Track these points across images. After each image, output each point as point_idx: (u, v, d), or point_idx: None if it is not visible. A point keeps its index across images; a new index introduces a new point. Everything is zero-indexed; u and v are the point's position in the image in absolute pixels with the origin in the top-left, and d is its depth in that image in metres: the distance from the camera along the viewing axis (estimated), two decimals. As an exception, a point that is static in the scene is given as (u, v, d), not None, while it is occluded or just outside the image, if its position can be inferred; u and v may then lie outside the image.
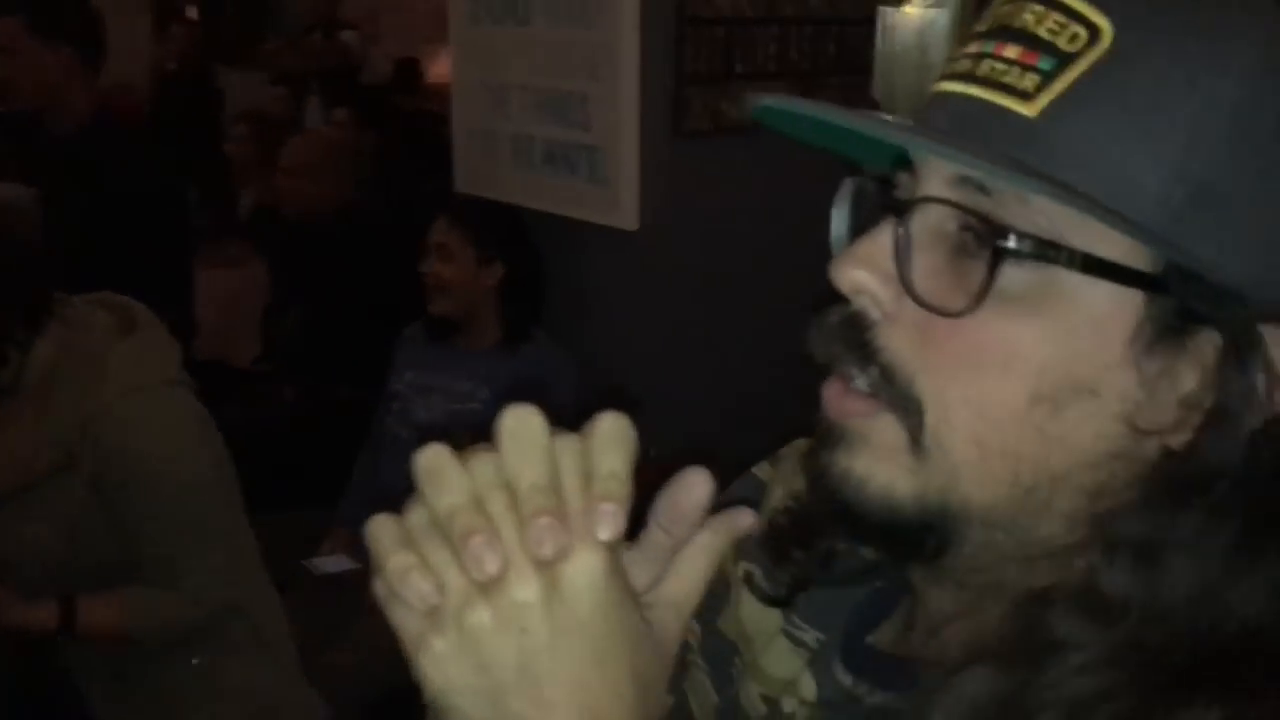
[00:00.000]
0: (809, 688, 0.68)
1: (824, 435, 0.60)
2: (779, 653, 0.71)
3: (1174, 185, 0.52)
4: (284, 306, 3.56)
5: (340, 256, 3.48)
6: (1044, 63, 0.53)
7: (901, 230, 0.56)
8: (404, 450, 2.67)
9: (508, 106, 2.72)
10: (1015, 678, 0.54)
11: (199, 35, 6.58)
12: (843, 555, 0.69)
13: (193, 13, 7.28)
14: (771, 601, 0.72)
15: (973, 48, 0.57)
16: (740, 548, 0.74)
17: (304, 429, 3.15)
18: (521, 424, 0.50)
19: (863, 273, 0.56)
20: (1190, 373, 0.54)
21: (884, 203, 0.59)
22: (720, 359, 2.71)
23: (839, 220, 0.63)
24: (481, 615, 0.49)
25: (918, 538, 0.57)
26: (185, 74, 6.04)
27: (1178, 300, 0.54)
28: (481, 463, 0.50)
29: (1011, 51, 0.54)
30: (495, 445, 0.51)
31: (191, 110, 5.62)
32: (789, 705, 0.69)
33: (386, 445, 2.80)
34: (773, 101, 0.60)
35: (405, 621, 0.51)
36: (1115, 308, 0.54)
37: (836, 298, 0.59)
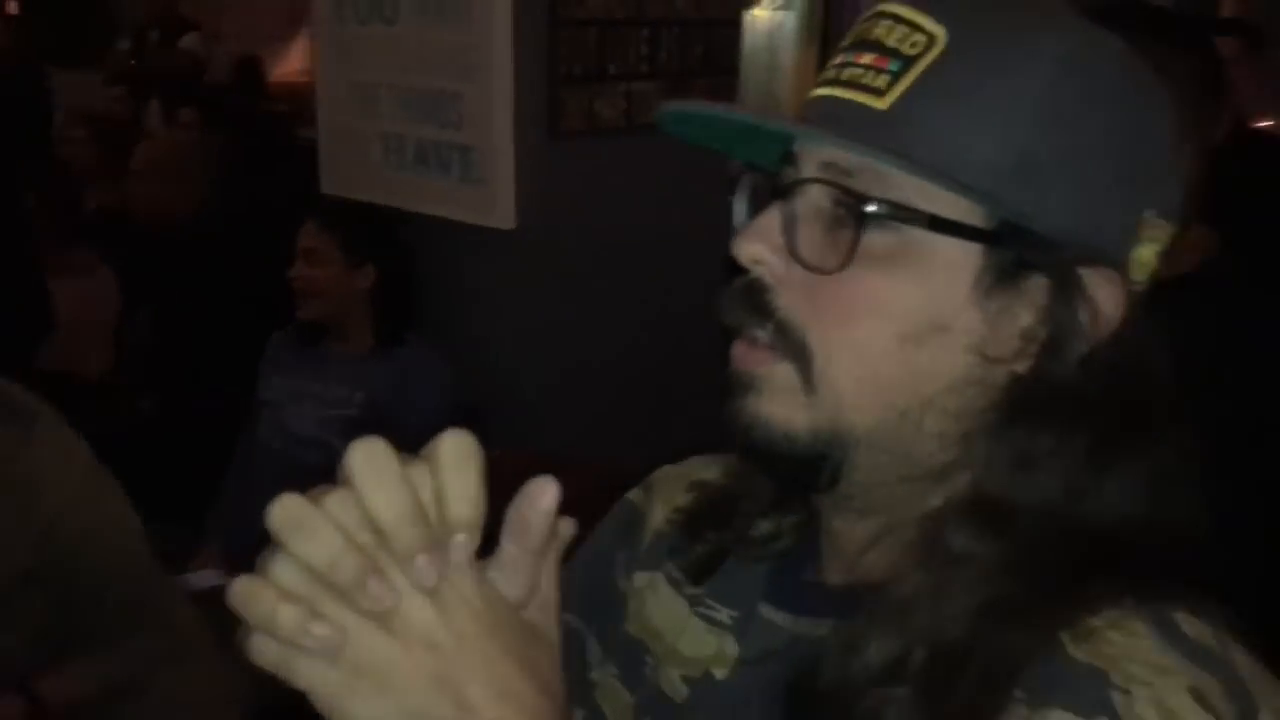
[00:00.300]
0: (733, 650, 0.76)
1: (734, 385, 0.69)
2: (695, 635, 0.79)
3: (1000, 156, 0.63)
4: (137, 314, 3.42)
5: (196, 261, 3.36)
6: (892, 65, 0.65)
7: (787, 209, 0.67)
8: (278, 460, 2.60)
9: (377, 106, 2.68)
10: (928, 593, 0.63)
11: (22, 31, 6.23)
12: (749, 532, 0.78)
13: (13, 7, 6.89)
14: (696, 577, 0.80)
15: (838, 59, 0.68)
16: (633, 562, 0.85)
17: (165, 441, 3.04)
18: (372, 458, 0.52)
19: (758, 245, 0.67)
20: (1026, 310, 0.65)
21: (771, 189, 0.69)
22: (597, 357, 2.73)
23: (739, 208, 0.73)
24: (389, 645, 0.52)
25: (816, 465, 0.67)
26: (8, 72, 5.71)
27: (1011, 251, 0.64)
28: (343, 505, 0.52)
29: (866, 58, 0.66)
30: (348, 482, 0.52)
31: (17, 111, 5.33)
32: (720, 673, 0.76)
33: (258, 455, 2.72)
34: (678, 107, 0.71)
35: (314, 675, 0.52)
36: (960, 259, 0.65)
37: (738, 271, 0.69)
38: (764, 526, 0.78)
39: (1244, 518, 1.09)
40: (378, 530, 0.52)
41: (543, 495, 0.55)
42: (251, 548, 2.01)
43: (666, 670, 0.79)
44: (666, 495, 0.86)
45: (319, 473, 2.16)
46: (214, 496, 2.82)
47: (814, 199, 0.66)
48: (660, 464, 0.91)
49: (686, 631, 0.79)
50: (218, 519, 2.77)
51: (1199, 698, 0.57)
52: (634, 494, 0.89)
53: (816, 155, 0.67)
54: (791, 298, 0.67)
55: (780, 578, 0.76)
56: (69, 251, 3.58)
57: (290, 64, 7.86)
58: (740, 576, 0.78)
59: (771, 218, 0.67)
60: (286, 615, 0.51)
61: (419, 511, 0.53)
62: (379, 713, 0.52)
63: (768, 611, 0.76)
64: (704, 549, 0.79)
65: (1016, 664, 0.60)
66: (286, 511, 0.52)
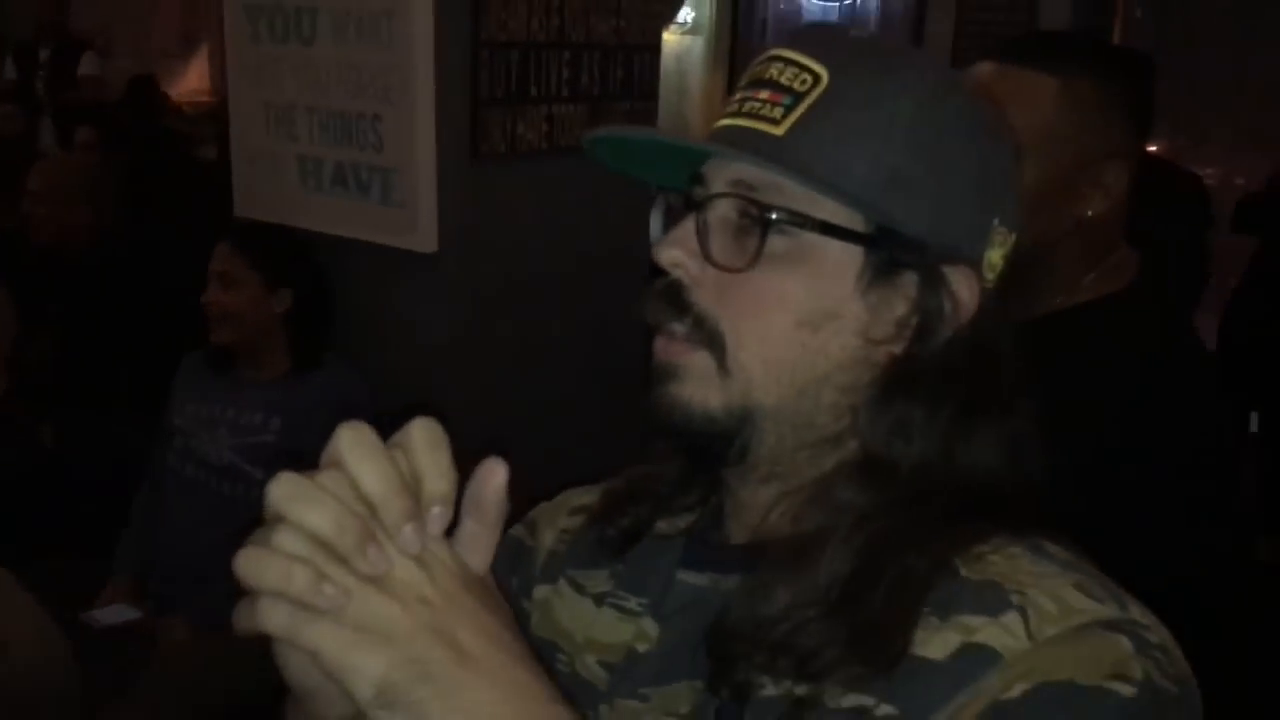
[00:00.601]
0: (652, 629, 0.84)
1: (657, 375, 0.79)
2: (608, 624, 0.87)
3: (874, 173, 0.75)
4: (34, 339, 3.30)
5: (97, 284, 3.26)
6: (786, 100, 0.77)
7: (700, 219, 0.78)
8: (190, 488, 2.53)
9: (293, 127, 2.63)
10: (824, 536, 0.74)
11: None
12: (659, 512, 0.88)
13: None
14: (621, 549, 0.88)
15: (738, 96, 0.80)
16: (529, 583, 0.94)
17: (66, 471, 2.93)
18: (359, 439, 0.60)
19: (676, 250, 0.78)
20: (901, 301, 0.77)
21: (684, 203, 0.81)
22: (516, 377, 2.72)
23: (655, 221, 0.86)
24: (388, 603, 0.58)
25: (729, 440, 0.78)
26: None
27: (886, 251, 0.76)
28: (337, 481, 0.59)
29: (764, 94, 0.78)
30: (337, 461, 0.60)
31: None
32: (642, 646, 0.84)
33: (169, 483, 2.64)
34: (606, 131, 0.81)
35: (323, 634, 0.58)
36: (845, 258, 0.76)
37: (657, 275, 0.79)
38: (674, 510, 0.88)
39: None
40: (367, 503, 0.59)
41: (494, 474, 0.64)
42: (165, 578, 1.95)
43: (583, 660, 0.87)
44: (550, 522, 0.97)
45: (234, 501, 2.14)
46: (120, 527, 2.73)
47: (722, 211, 0.77)
48: (578, 482, 1.00)
49: (598, 623, 0.88)
50: (127, 550, 2.68)
51: (1082, 589, 0.70)
52: (516, 530, 0.98)
53: (725, 174, 0.78)
54: (706, 295, 0.77)
55: (691, 545, 0.86)
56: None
57: (186, 83, 7.69)
58: (647, 565, 0.87)
59: (687, 227, 0.78)
60: (300, 576, 0.57)
61: (404, 485, 0.60)
62: (384, 663, 0.58)
63: (683, 575, 0.84)
64: (623, 526, 0.88)
65: (917, 584, 0.71)
66: (287, 486, 0.58)
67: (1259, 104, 5.98)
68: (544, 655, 0.85)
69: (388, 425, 0.64)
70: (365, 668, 0.57)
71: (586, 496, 0.95)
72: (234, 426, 2.58)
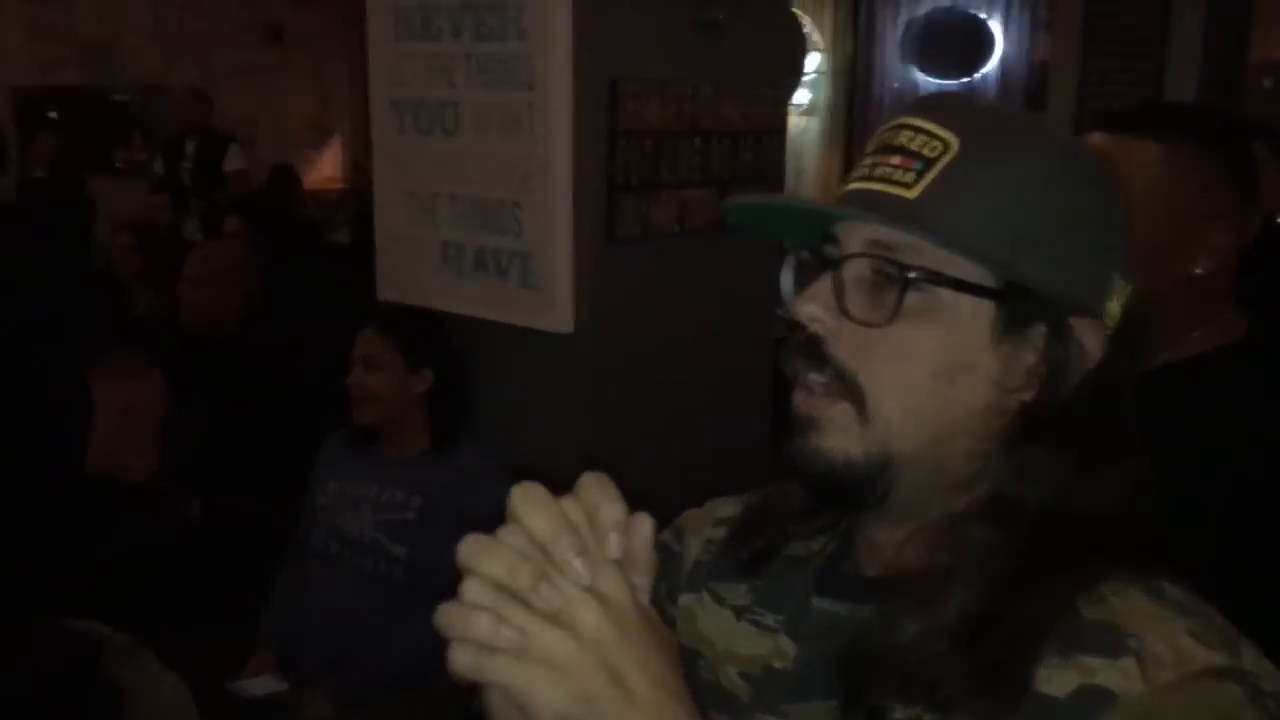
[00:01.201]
0: (787, 645, 0.89)
1: (798, 427, 0.83)
2: (747, 638, 0.92)
3: (1004, 232, 0.79)
4: (186, 418, 3.45)
5: (242, 366, 3.40)
6: (917, 165, 0.81)
7: (836, 277, 0.82)
8: (332, 564, 2.61)
9: (435, 214, 2.74)
10: (954, 573, 0.77)
11: (66, 142, 6.39)
12: (792, 540, 0.92)
13: (52, 115, 7.08)
14: (754, 569, 0.93)
15: (868, 160, 0.84)
16: (675, 590, 0.99)
17: (212, 547, 3.04)
18: (527, 492, 0.66)
19: (813, 306, 0.82)
20: (1029, 351, 0.81)
21: (819, 262, 0.84)
22: (652, 455, 2.74)
23: (787, 280, 0.90)
24: (564, 640, 0.63)
25: (870, 486, 0.81)
26: (52, 181, 5.85)
27: (1016, 305, 0.80)
28: (511, 532, 0.65)
29: (895, 160, 0.82)
30: (511, 516, 0.65)
31: (60, 218, 5.44)
32: (780, 664, 0.89)
33: (311, 560, 2.71)
34: (743, 199, 0.88)
35: (505, 671, 0.62)
36: (978, 312, 0.80)
37: (793, 330, 0.83)
38: (805, 534, 0.92)
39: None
40: (540, 547, 0.64)
41: (644, 525, 0.69)
42: (307, 652, 2.02)
43: (724, 670, 0.93)
44: (696, 530, 1.02)
45: (374, 577, 2.21)
46: (264, 601, 2.81)
47: (858, 269, 0.81)
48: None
49: (738, 636, 0.93)
50: (271, 624, 2.75)
51: (1196, 636, 0.72)
52: (664, 535, 1.01)
53: (860, 234, 0.81)
54: (844, 348, 0.81)
55: (825, 575, 0.90)
56: (114, 355, 3.63)
57: (320, 171, 8.04)
58: (782, 585, 0.92)
59: (824, 283, 0.82)
60: (481, 622, 0.62)
61: (569, 524, 0.65)
62: (560, 698, 0.62)
63: (818, 602, 0.89)
64: (757, 548, 0.93)
65: (1040, 623, 0.74)
66: (470, 543, 0.64)
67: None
68: (686, 661, 0.89)
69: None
70: (547, 700, 0.62)
71: (731, 508, 1.00)
72: (374, 503, 2.65)
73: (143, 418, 3.61)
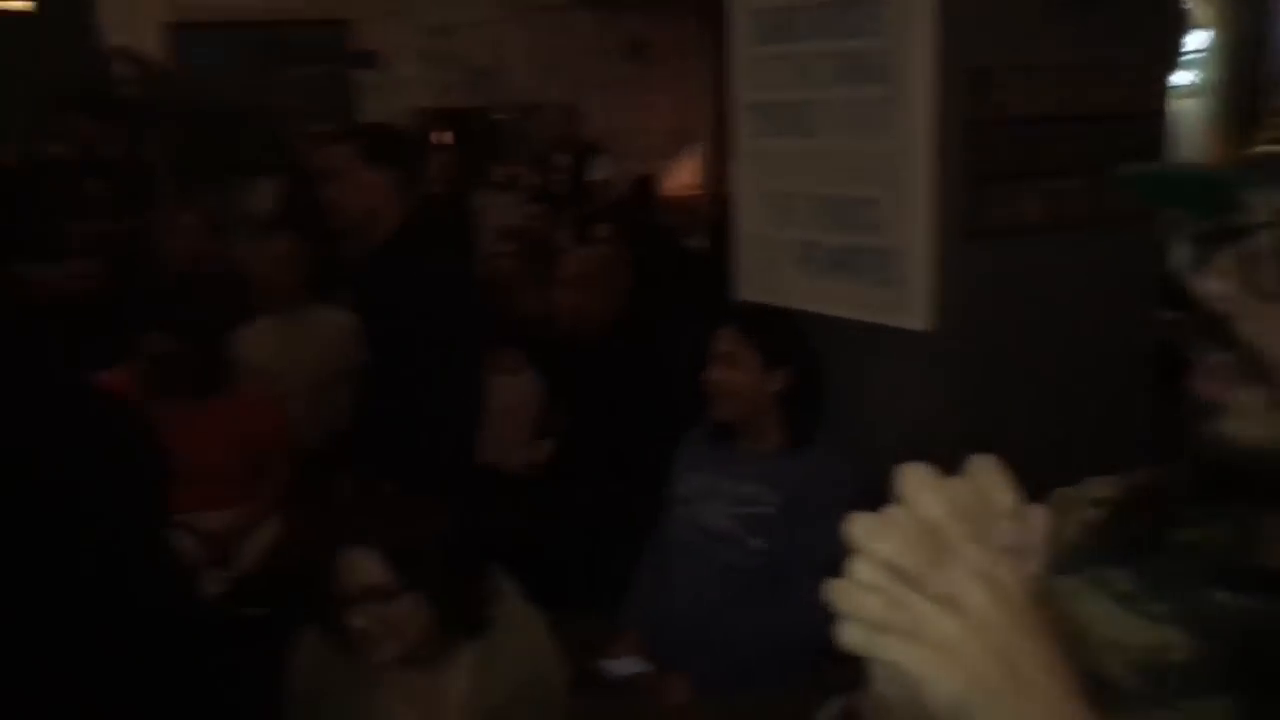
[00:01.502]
0: (1179, 638, 0.83)
1: (1201, 412, 0.77)
2: (1132, 628, 0.86)
3: None
4: (562, 413, 3.69)
5: (609, 365, 3.59)
6: None
7: (1244, 248, 0.75)
8: (691, 552, 2.72)
9: (792, 214, 2.77)
10: None
11: (458, 159, 7.00)
12: (1182, 527, 0.85)
13: (447, 138, 7.79)
14: (1134, 555, 0.87)
15: (1277, 120, 0.77)
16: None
17: (591, 532, 3.22)
18: (917, 473, 0.65)
19: (1217, 281, 0.76)
20: None
21: (1221, 235, 0.77)
22: (1016, 463, 2.63)
23: (1183, 252, 0.84)
24: (955, 625, 0.62)
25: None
26: (446, 195, 6.42)
27: None
28: (900, 512, 0.65)
29: None
30: (900, 496, 0.65)
31: (450, 228, 5.95)
32: (1172, 656, 0.82)
33: (672, 550, 2.82)
34: (1138, 168, 0.83)
35: (898, 651, 0.62)
36: None
37: (1191, 309, 0.78)
38: (1193, 520, 0.85)
39: None
40: (931, 531, 0.64)
41: (1040, 517, 0.67)
42: (667, 638, 2.10)
43: (1105, 660, 0.86)
44: (1069, 510, 0.95)
45: (731, 568, 2.26)
46: (626, 587, 2.95)
47: (1268, 239, 0.75)
48: None
49: (1122, 624, 0.87)
50: (634, 608, 2.89)
51: None
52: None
53: (1271, 201, 0.75)
54: (1252, 327, 0.75)
55: (1225, 565, 0.83)
56: (499, 352, 3.94)
57: (678, 178, 8.32)
58: (1171, 573, 0.85)
59: (1228, 257, 0.76)
60: (872, 602, 0.63)
61: (961, 509, 0.64)
62: (953, 682, 0.61)
63: (1219, 595, 0.82)
64: (1140, 532, 0.87)
65: None
66: (861, 522, 0.65)
67: None
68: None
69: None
70: (941, 683, 0.62)
71: (1107, 489, 0.94)
72: (731, 497, 2.72)
73: (522, 413, 3.90)
